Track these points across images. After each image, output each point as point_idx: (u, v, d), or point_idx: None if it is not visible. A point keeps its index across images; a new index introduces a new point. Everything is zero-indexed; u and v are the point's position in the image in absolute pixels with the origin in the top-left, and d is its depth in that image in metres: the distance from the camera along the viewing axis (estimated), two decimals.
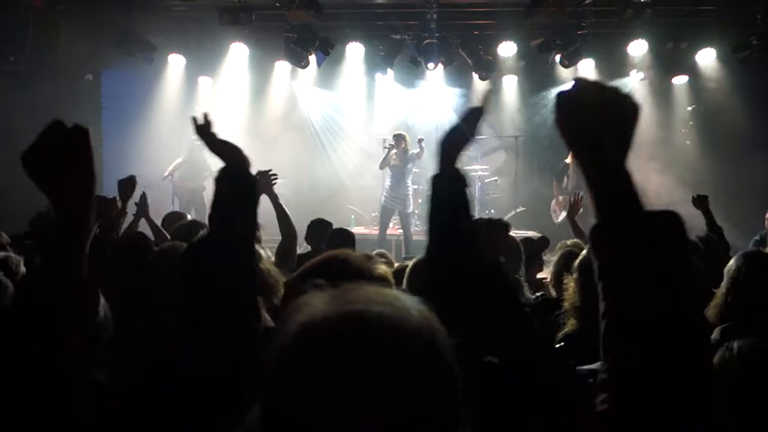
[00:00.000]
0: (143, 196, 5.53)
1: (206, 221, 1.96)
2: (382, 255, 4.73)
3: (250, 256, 1.85)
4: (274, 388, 0.83)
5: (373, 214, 11.59)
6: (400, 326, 0.83)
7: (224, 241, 1.84)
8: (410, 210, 10.46)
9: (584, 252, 2.70)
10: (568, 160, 10.60)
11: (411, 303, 0.88)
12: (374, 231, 10.96)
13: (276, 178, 4.41)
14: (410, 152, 10.33)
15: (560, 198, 10.65)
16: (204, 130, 2.26)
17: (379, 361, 0.80)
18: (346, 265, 1.66)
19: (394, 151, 10.28)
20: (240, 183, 1.95)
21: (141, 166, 10.81)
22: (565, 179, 10.59)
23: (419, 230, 10.49)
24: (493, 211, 11.48)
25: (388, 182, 10.47)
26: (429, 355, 0.84)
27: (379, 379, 0.79)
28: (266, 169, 4.35)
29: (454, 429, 0.85)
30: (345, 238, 4.75)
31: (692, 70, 11.31)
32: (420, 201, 10.82)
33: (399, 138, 10.40)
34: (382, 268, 1.67)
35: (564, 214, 10.49)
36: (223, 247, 1.82)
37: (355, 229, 10.24)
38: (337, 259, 1.70)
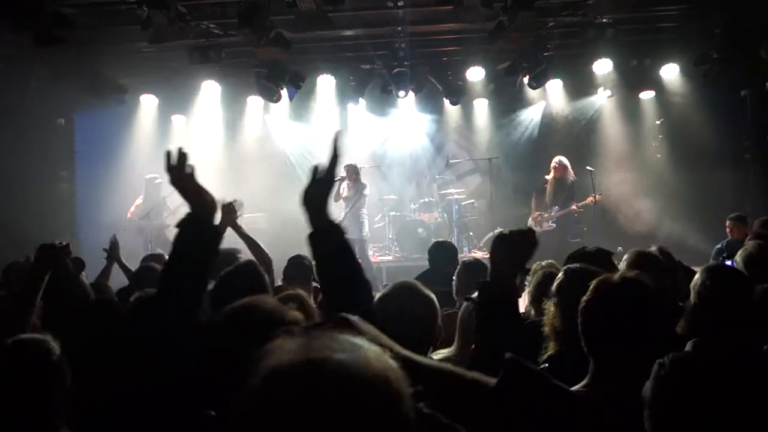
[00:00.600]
0: (113, 240, 5.51)
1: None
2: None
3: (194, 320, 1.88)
4: (241, 429, 0.89)
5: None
6: (360, 375, 0.89)
7: (170, 303, 1.86)
8: (365, 234, 10.58)
9: (561, 274, 2.74)
10: (548, 176, 10.70)
11: (373, 352, 0.94)
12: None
13: (240, 208, 4.43)
14: (362, 182, 10.52)
15: (536, 213, 10.69)
16: (174, 170, 2.13)
17: (338, 407, 0.86)
18: (259, 311, 1.69)
19: (345, 182, 10.43)
20: (201, 235, 1.96)
21: (117, 208, 10.81)
22: (543, 195, 10.66)
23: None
24: (471, 233, 11.57)
25: (341, 214, 10.52)
26: (386, 402, 0.89)
27: (337, 425, 0.85)
28: (230, 200, 4.31)
29: None
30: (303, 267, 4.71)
31: (658, 85, 11.55)
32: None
33: (350, 169, 10.56)
34: (294, 314, 1.70)
35: (546, 224, 10.55)
36: (168, 309, 1.84)
37: None
38: (250, 305, 1.73)
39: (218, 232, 2.01)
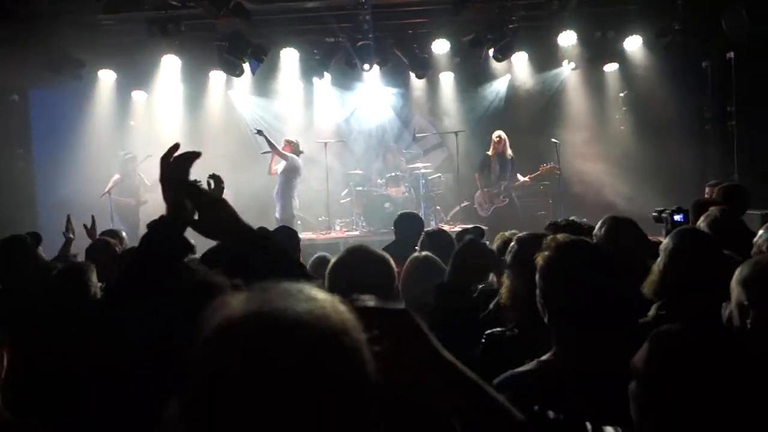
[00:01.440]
0: (92, 220, 5.47)
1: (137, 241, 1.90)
2: (323, 259, 4.71)
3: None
4: (192, 386, 0.85)
5: (319, 219, 11.55)
6: (315, 325, 0.85)
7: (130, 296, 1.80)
8: (295, 210, 10.62)
9: (513, 243, 2.72)
10: (489, 152, 10.79)
11: (328, 301, 0.90)
12: (321, 235, 10.93)
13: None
14: (291, 156, 10.50)
15: (485, 190, 10.81)
16: (170, 165, 1.89)
17: (294, 360, 0.82)
18: (187, 277, 1.64)
19: (277, 159, 10.55)
20: (169, 242, 1.85)
21: (76, 185, 10.57)
22: (488, 171, 10.78)
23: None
24: (439, 207, 11.58)
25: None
26: (344, 352, 0.86)
27: (292, 378, 0.81)
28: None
29: (369, 428, 0.87)
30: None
31: (621, 58, 11.60)
32: None
33: (285, 142, 10.63)
34: (219, 280, 1.65)
35: (492, 206, 10.71)
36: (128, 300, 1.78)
37: (303, 234, 10.22)
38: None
39: (188, 247, 1.87)
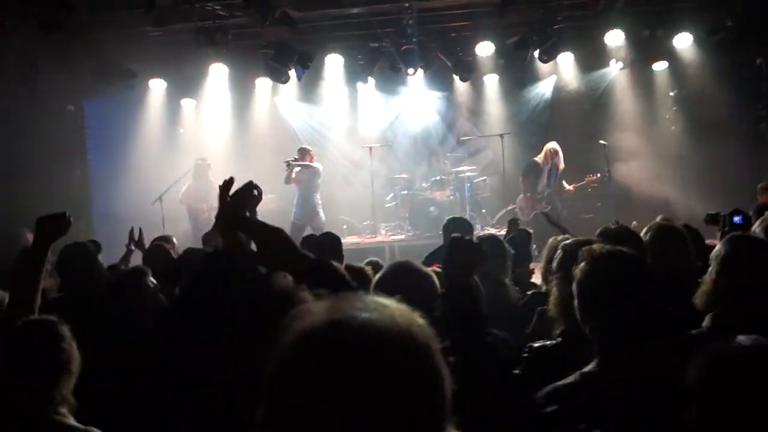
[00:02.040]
0: (140, 231, 5.60)
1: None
2: (374, 263, 4.74)
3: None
4: (273, 391, 0.93)
5: (365, 223, 11.61)
6: (385, 332, 0.92)
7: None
8: (322, 222, 10.33)
9: (559, 251, 2.69)
10: (538, 158, 10.69)
11: (398, 310, 0.97)
12: (367, 240, 10.98)
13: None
14: (315, 166, 10.43)
15: (528, 195, 10.73)
16: (227, 204, 1.94)
17: (364, 364, 0.89)
18: (272, 290, 1.65)
19: (296, 167, 10.37)
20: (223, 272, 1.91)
21: (129, 193, 10.85)
22: (533, 177, 10.70)
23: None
24: (484, 210, 11.52)
25: (295, 199, 10.56)
26: (413, 358, 0.92)
27: (366, 380, 0.88)
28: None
29: (441, 427, 0.93)
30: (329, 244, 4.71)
31: (671, 56, 11.33)
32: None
33: (303, 152, 10.52)
34: (305, 295, 1.66)
35: (533, 211, 10.63)
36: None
37: (349, 239, 10.29)
38: (262, 284, 1.71)
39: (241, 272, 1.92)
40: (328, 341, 0.91)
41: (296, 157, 10.41)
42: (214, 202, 10.72)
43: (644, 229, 3.57)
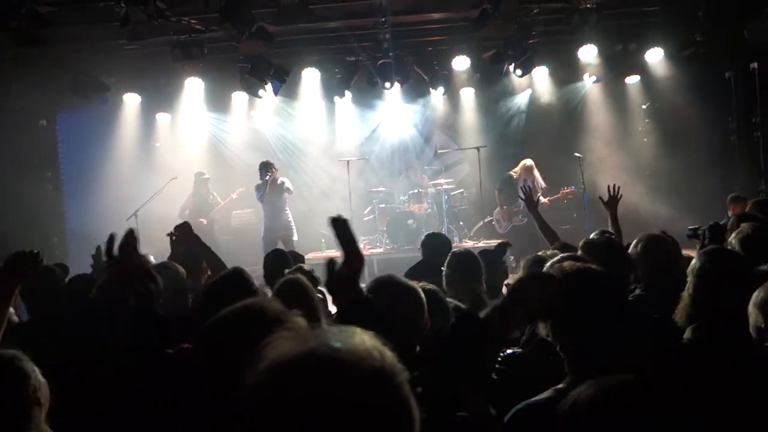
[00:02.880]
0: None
1: None
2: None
3: None
4: (247, 419, 0.93)
5: None
6: (358, 364, 0.92)
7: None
8: (295, 238, 10.33)
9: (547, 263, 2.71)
10: (514, 172, 10.81)
11: (370, 342, 0.98)
12: None
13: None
14: (281, 180, 10.36)
15: (504, 207, 10.86)
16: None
17: (336, 396, 0.89)
18: (263, 315, 1.63)
19: (269, 184, 10.19)
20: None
21: (103, 208, 10.71)
22: (508, 190, 10.81)
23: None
24: (462, 222, 11.56)
25: (265, 214, 10.47)
26: (384, 390, 0.93)
27: (336, 413, 0.88)
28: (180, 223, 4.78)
29: None
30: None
31: (643, 70, 11.52)
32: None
33: (268, 166, 10.31)
34: (299, 320, 1.64)
35: (509, 224, 10.74)
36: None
37: (327, 253, 10.25)
38: (254, 308, 1.66)
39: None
40: (306, 370, 0.91)
41: (269, 174, 10.26)
42: (215, 215, 11.04)
43: (634, 241, 3.60)
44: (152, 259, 5.21)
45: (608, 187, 5.32)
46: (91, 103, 10.51)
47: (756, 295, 2.09)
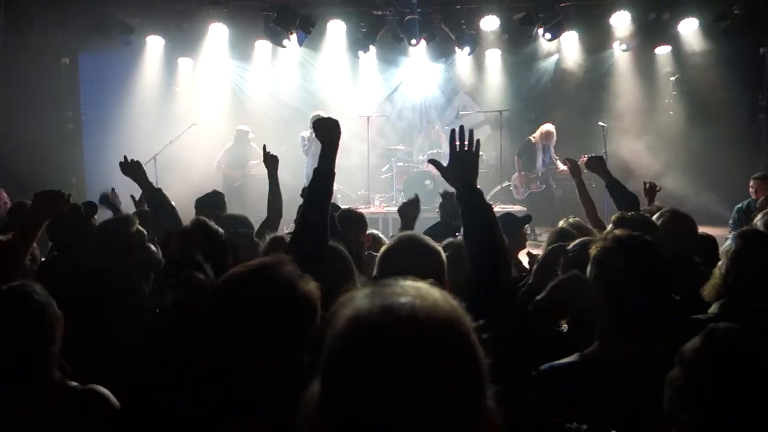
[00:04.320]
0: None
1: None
2: (374, 236, 4.77)
3: None
4: (329, 375, 1.00)
5: (359, 193, 11.56)
6: (431, 316, 0.99)
7: None
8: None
9: (573, 245, 2.69)
10: (534, 138, 10.66)
11: (439, 295, 1.04)
12: (360, 210, 10.91)
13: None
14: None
15: (522, 173, 10.73)
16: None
17: (414, 346, 0.96)
18: (274, 280, 1.59)
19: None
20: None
21: (122, 149, 10.65)
22: (528, 156, 10.69)
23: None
24: (480, 186, 11.46)
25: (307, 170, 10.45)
26: (458, 338, 1.00)
27: (415, 362, 0.95)
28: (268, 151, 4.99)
29: (481, 397, 1.02)
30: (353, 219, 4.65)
31: (675, 40, 11.27)
32: None
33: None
34: (309, 288, 1.60)
35: (527, 190, 10.65)
36: None
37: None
38: (267, 271, 1.62)
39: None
40: (383, 325, 0.97)
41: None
42: (252, 169, 11.02)
43: (657, 214, 3.55)
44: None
45: (644, 183, 5.30)
46: (114, 44, 10.44)
47: None
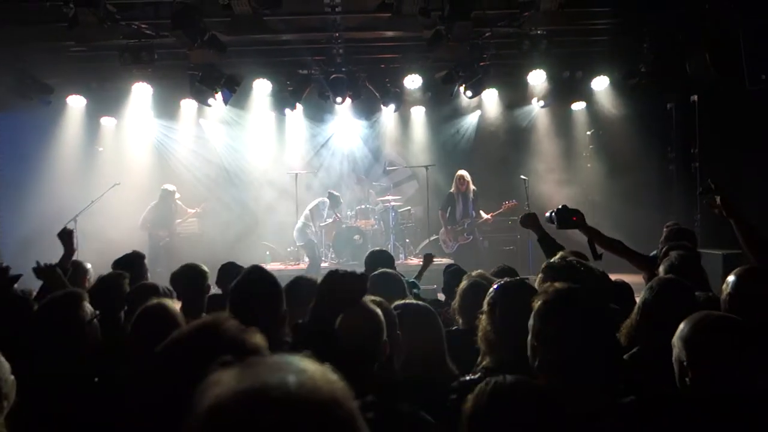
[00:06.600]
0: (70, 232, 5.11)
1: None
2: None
3: None
4: None
5: (288, 249, 11.49)
6: (307, 399, 0.84)
7: None
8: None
9: (492, 289, 2.74)
10: (452, 190, 10.90)
11: (319, 372, 0.89)
12: (290, 266, 10.87)
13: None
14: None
15: (448, 227, 10.92)
16: None
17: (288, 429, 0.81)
18: (219, 336, 1.55)
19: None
20: None
21: (41, 211, 10.36)
22: (452, 209, 10.90)
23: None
24: (408, 240, 11.60)
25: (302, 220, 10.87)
26: (339, 424, 0.85)
27: None
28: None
29: None
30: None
31: (589, 97, 11.85)
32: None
33: (338, 203, 11.22)
34: (256, 340, 1.59)
35: (455, 243, 10.80)
36: None
37: (272, 265, 10.14)
38: (210, 328, 1.58)
39: None
40: (247, 412, 0.82)
41: (335, 210, 11.23)
42: (176, 228, 10.95)
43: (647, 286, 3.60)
44: (89, 267, 5.06)
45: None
46: (33, 103, 10.20)
47: (681, 329, 2.14)
